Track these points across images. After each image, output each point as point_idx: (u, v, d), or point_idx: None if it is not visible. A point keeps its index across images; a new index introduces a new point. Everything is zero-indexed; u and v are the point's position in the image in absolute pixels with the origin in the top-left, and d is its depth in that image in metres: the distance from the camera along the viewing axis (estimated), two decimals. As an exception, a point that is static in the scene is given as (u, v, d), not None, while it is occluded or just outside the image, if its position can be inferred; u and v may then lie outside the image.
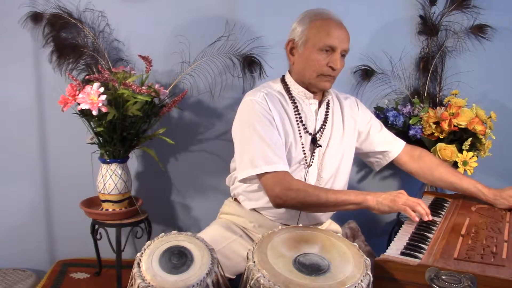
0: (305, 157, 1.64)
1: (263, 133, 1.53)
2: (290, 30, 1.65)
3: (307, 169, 1.65)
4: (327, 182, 1.68)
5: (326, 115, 1.70)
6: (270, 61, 2.21)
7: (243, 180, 1.58)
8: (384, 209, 1.45)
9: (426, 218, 1.47)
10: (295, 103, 1.66)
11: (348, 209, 1.49)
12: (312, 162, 1.65)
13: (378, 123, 1.83)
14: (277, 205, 1.53)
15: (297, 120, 1.64)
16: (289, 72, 1.71)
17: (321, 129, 1.68)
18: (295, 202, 1.49)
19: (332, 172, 1.68)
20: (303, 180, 1.63)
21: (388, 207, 1.44)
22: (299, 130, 1.64)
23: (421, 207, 1.46)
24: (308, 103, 1.67)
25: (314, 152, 1.66)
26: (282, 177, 1.50)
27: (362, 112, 1.80)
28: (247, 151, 1.55)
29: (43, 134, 2.27)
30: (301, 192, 1.48)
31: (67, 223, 2.33)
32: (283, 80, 1.70)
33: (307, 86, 1.65)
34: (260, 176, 1.53)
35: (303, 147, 1.64)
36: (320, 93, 1.70)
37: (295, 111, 1.65)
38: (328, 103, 1.71)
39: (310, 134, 1.66)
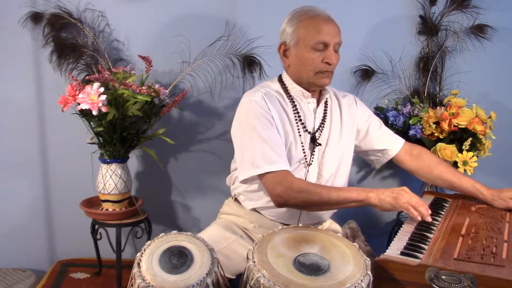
0: (305, 156, 1.65)
1: (263, 133, 1.53)
2: (280, 32, 1.65)
3: (307, 168, 1.65)
4: (327, 181, 1.68)
5: (325, 113, 1.70)
6: (270, 61, 2.20)
7: (245, 181, 1.58)
8: (386, 206, 1.44)
9: (427, 219, 1.48)
10: (294, 102, 1.66)
11: (351, 207, 1.49)
12: (312, 161, 1.66)
13: (377, 121, 1.83)
14: (279, 205, 1.53)
15: (296, 119, 1.64)
16: (286, 72, 1.71)
17: (320, 128, 1.68)
18: (297, 201, 1.49)
19: (332, 170, 1.68)
20: (304, 179, 1.63)
21: (390, 205, 1.44)
22: (298, 129, 1.64)
23: (423, 208, 1.46)
24: (306, 102, 1.67)
25: (314, 151, 1.66)
26: (284, 176, 1.50)
27: (360, 110, 1.80)
28: (247, 152, 1.54)
29: (43, 134, 2.27)
30: (303, 191, 1.47)
31: (67, 223, 2.33)
32: (280, 80, 1.70)
33: (306, 85, 1.65)
34: (261, 176, 1.53)
35: (302, 146, 1.64)
36: (317, 92, 1.70)
37: (294, 110, 1.65)
38: (326, 102, 1.71)
39: (309, 133, 1.66)
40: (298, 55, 1.60)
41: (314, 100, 1.69)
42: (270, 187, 1.51)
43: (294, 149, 1.62)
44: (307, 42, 1.57)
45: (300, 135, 1.64)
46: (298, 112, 1.65)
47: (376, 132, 1.80)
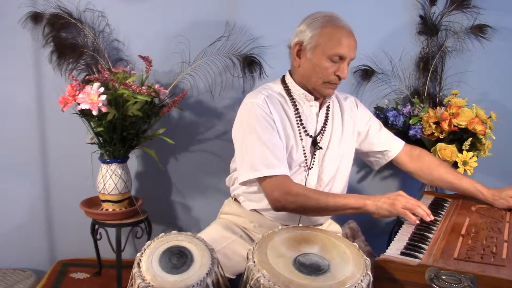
0: (306, 159, 1.64)
1: (263, 137, 1.53)
2: (297, 31, 1.62)
3: (307, 171, 1.65)
4: (327, 184, 1.68)
5: (326, 117, 1.70)
6: (270, 61, 2.21)
7: (243, 183, 1.58)
8: (384, 213, 1.45)
9: (428, 219, 1.48)
10: (296, 105, 1.65)
11: (348, 213, 1.50)
12: (313, 164, 1.65)
13: (377, 123, 1.83)
14: (276, 209, 1.53)
15: (297, 123, 1.64)
16: (290, 73, 1.70)
17: (322, 131, 1.68)
18: (295, 206, 1.49)
19: (332, 174, 1.68)
20: (304, 183, 1.63)
21: (388, 211, 1.44)
22: (300, 132, 1.64)
23: (421, 209, 1.46)
24: (308, 105, 1.67)
25: (315, 155, 1.66)
26: (282, 181, 1.50)
27: (361, 112, 1.80)
28: (247, 155, 1.54)
29: (43, 134, 2.27)
30: (301, 196, 1.48)
31: (67, 223, 2.33)
32: (283, 81, 1.69)
33: (310, 90, 1.65)
34: (260, 179, 1.53)
35: (303, 150, 1.64)
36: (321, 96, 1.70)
37: (295, 114, 1.64)
38: (328, 105, 1.71)
39: (310, 136, 1.65)
40: (313, 60, 1.58)
41: (317, 104, 1.68)
42: (268, 191, 1.52)
43: (295, 153, 1.62)
44: (325, 50, 1.55)
45: (301, 139, 1.64)
46: (299, 116, 1.64)
47: (376, 134, 1.80)
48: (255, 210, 1.68)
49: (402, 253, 1.28)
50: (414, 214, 1.47)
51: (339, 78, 1.59)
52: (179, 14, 2.20)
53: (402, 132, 2.08)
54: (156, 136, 2.07)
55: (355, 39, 1.59)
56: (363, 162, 2.27)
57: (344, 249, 1.27)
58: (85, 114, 1.93)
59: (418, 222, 1.46)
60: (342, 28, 1.57)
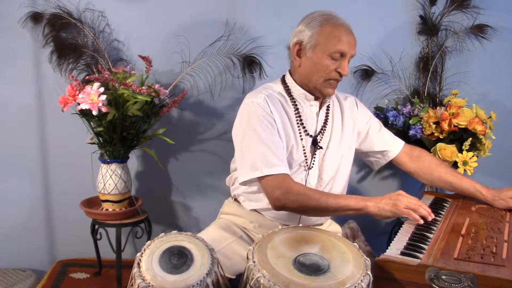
0: (306, 159, 1.64)
1: (264, 136, 1.53)
2: (296, 31, 1.63)
3: (307, 171, 1.64)
4: (327, 184, 1.68)
5: (327, 116, 1.70)
6: (270, 61, 2.21)
7: (244, 183, 1.58)
8: (386, 214, 1.44)
9: (430, 218, 1.48)
10: (296, 105, 1.65)
11: (348, 215, 1.49)
12: (313, 164, 1.65)
13: (377, 123, 1.83)
14: (276, 208, 1.53)
15: (297, 122, 1.64)
16: (290, 73, 1.70)
17: (322, 131, 1.68)
18: (295, 206, 1.49)
19: (332, 173, 1.68)
20: (304, 182, 1.63)
21: (391, 212, 1.44)
22: (300, 132, 1.64)
23: (423, 209, 1.46)
24: (308, 105, 1.67)
25: (315, 154, 1.66)
26: (282, 180, 1.50)
27: (361, 112, 1.80)
28: (247, 154, 1.54)
29: (43, 134, 2.27)
30: (301, 196, 1.47)
31: (67, 223, 2.33)
32: (283, 81, 1.69)
33: (311, 90, 1.64)
34: (260, 179, 1.53)
35: (304, 150, 1.64)
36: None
37: (295, 113, 1.64)
38: (328, 105, 1.71)
39: (310, 136, 1.65)
40: (313, 59, 1.58)
41: (317, 103, 1.68)
42: (269, 190, 1.51)
43: (296, 152, 1.62)
44: (325, 49, 1.56)
45: (301, 139, 1.63)
46: (300, 115, 1.64)
47: (376, 134, 1.80)
48: (255, 210, 1.68)
49: (402, 253, 1.28)
50: None
51: (340, 75, 1.60)
52: (179, 14, 2.20)
53: (402, 132, 2.08)
54: (156, 136, 2.07)
55: (354, 35, 1.59)
56: (363, 162, 2.27)
57: (344, 249, 1.27)
58: (85, 114, 1.93)
59: (422, 221, 1.46)
60: (341, 25, 1.57)
